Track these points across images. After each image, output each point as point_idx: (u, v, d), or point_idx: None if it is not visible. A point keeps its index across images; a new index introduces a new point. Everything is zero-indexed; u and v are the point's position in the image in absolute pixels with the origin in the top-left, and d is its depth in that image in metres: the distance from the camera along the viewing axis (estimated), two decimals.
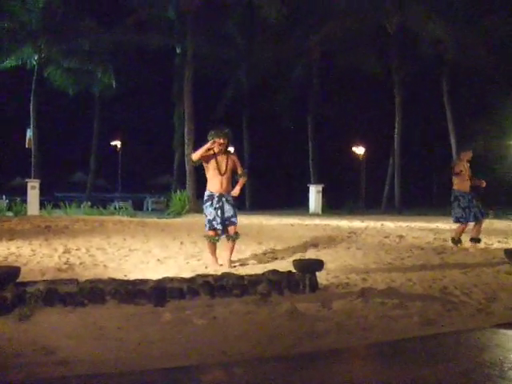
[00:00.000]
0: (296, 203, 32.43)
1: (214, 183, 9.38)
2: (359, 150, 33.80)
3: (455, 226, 12.76)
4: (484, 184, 12.30)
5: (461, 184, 12.09)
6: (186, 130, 28.90)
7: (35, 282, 6.38)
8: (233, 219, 9.38)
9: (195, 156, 9.49)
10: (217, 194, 9.33)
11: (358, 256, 10.77)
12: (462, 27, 29.06)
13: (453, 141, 31.54)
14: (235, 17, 35.07)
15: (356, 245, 12.45)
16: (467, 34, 28.91)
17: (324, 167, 37.55)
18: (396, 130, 31.37)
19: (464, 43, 29.08)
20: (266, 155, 45.95)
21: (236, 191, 9.53)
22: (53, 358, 4.68)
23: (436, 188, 42.63)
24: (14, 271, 6.25)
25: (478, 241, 12.22)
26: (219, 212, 9.27)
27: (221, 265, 9.33)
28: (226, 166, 9.38)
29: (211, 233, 9.38)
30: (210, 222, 9.35)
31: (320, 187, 28.34)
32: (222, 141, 9.29)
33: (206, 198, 9.46)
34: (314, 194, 27.98)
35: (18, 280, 6.19)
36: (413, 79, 33.55)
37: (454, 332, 5.76)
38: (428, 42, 29.69)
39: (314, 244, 12.39)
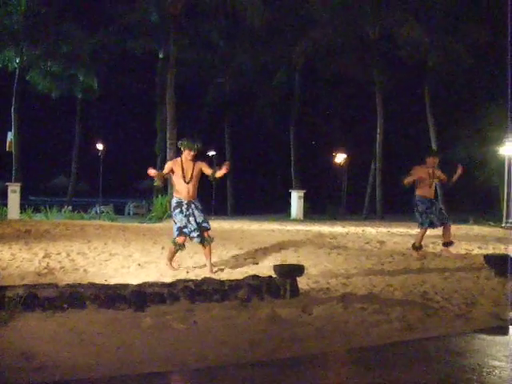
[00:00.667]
0: (277, 209, 32.45)
1: (181, 190, 9.48)
2: (340, 158, 33.90)
3: (430, 230, 12.67)
4: (461, 169, 12.00)
5: (421, 190, 11.93)
6: (168, 134, 28.82)
7: (14, 287, 6.34)
8: (204, 224, 9.43)
9: (158, 182, 9.72)
10: (185, 201, 9.40)
11: (339, 261, 10.80)
12: (442, 33, 29.29)
13: (434, 146, 31.72)
14: (218, 22, 35.11)
15: (337, 250, 12.47)
16: (448, 41, 29.12)
17: (306, 173, 37.65)
18: (378, 136, 31.52)
19: (445, 49, 29.30)
20: (248, 160, 45.99)
21: (219, 173, 9.57)
22: (32, 363, 4.65)
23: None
24: None
25: (450, 244, 12.24)
26: (191, 219, 9.34)
27: (176, 269, 9.46)
28: (192, 174, 9.49)
29: (180, 240, 9.40)
30: (179, 229, 9.38)
31: (302, 193, 28.37)
32: (192, 153, 9.50)
33: (174, 204, 9.51)
34: (296, 199, 28.02)
35: None
36: (395, 85, 33.72)
37: (433, 337, 5.80)
38: (409, 48, 29.85)
39: (295, 249, 12.39)
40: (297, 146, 37.10)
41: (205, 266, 9.58)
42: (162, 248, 11.92)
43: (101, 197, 26.88)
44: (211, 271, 9.18)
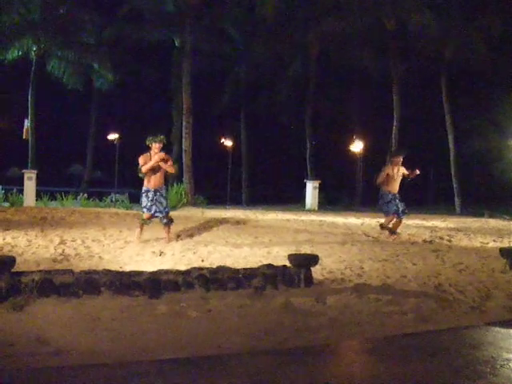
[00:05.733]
0: (292, 199, 32.37)
1: (150, 180, 11.17)
2: (356, 147, 33.68)
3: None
4: (417, 172, 13.51)
5: (388, 186, 13.19)
6: (183, 124, 28.83)
7: (30, 272, 6.38)
8: (167, 209, 11.35)
9: (144, 169, 11.08)
10: (152, 190, 11.16)
11: (354, 252, 10.79)
12: (460, 25, 29.03)
13: (450, 138, 31.50)
14: (234, 11, 34.97)
15: (351, 241, 12.46)
16: (466, 32, 28.87)
17: (321, 163, 37.50)
18: (394, 127, 31.32)
19: (462, 41, 29.06)
20: (264, 150, 45.90)
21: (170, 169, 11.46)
22: (47, 348, 4.69)
23: (433, 185, 42.62)
24: (10, 260, 6.25)
25: (394, 233, 13.25)
26: (158, 204, 11.15)
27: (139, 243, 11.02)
28: (159, 166, 11.11)
29: (146, 216, 11.18)
30: (146, 208, 11.17)
31: (317, 183, 28.27)
32: (158, 145, 11.13)
33: (143, 191, 11.24)
34: (311, 189, 27.93)
35: (13, 270, 6.19)
36: (411, 76, 33.50)
37: (447, 329, 5.78)
38: (426, 38, 29.59)
39: (310, 239, 12.39)
40: (312, 136, 36.95)
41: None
42: (177, 236, 11.96)
43: (116, 185, 26.97)
44: (169, 241, 11.16)
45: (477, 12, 29.16)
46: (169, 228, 11.44)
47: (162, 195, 11.27)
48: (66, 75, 32.62)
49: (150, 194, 11.12)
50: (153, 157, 11.05)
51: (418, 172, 13.52)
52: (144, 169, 11.06)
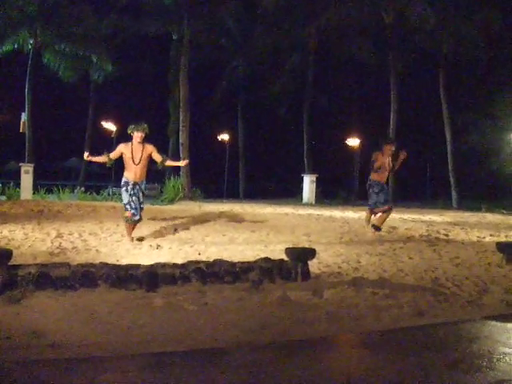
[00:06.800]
0: (289, 193, 32.38)
1: (129, 172, 10.49)
2: (353, 142, 33.70)
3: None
4: (405, 154, 12.52)
5: (378, 175, 12.39)
6: (181, 117, 28.83)
7: (27, 266, 6.38)
8: (142, 205, 10.75)
9: (113, 156, 10.67)
10: (132, 182, 10.45)
11: (351, 246, 10.80)
12: (458, 19, 28.98)
13: (448, 133, 31.52)
14: (232, 4, 34.90)
15: (349, 235, 12.46)
16: (464, 26, 28.82)
17: (318, 157, 37.51)
18: (391, 121, 31.30)
19: (460, 35, 29.01)
20: (261, 144, 45.90)
21: (170, 163, 11.66)
22: (43, 341, 4.69)
23: (430, 180, 42.68)
24: (6, 254, 6.24)
25: (378, 229, 12.49)
26: (134, 198, 10.44)
27: (137, 240, 10.50)
28: (141, 157, 10.46)
29: (128, 214, 10.42)
30: (125, 205, 10.52)
31: (314, 177, 28.30)
32: (140, 134, 10.45)
33: (122, 183, 10.58)
34: (308, 183, 27.95)
35: (10, 263, 6.18)
36: (409, 70, 33.47)
37: (444, 323, 5.79)
38: (425, 32, 29.55)
39: (307, 233, 12.40)
40: (310, 130, 36.92)
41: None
42: (175, 230, 11.96)
43: (113, 179, 26.91)
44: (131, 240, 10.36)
45: (476, 6, 29.11)
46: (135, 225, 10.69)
47: (141, 189, 10.60)
48: (62, 68, 32.55)
49: (129, 187, 10.43)
50: (134, 147, 10.43)
51: (405, 154, 12.51)
52: (113, 155, 10.61)
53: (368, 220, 12.88)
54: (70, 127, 47.02)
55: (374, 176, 12.44)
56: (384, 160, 12.37)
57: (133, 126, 10.50)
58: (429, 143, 38.91)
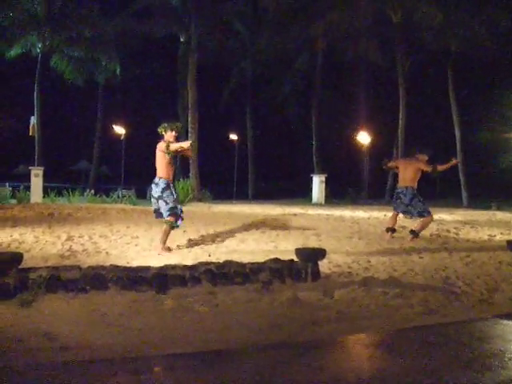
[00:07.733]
0: (299, 193, 32.37)
1: (170, 172, 9.71)
2: (363, 140, 33.59)
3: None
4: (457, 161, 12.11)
5: (416, 183, 12.14)
6: (189, 118, 28.90)
7: (38, 269, 6.39)
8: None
9: (173, 147, 9.64)
10: (172, 183, 9.76)
11: (361, 246, 10.78)
12: (466, 17, 28.88)
13: (457, 131, 31.43)
14: (239, 5, 34.96)
15: (358, 235, 12.44)
16: (472, 25, 28.73)
17: (327, 157, 37.45)
18: (400, 121, 31.22)
19: (469, 34, 28.91)
20: (270, 145, 45.86)
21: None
22: (54, 343, 4.70)
23: (439, 178, 42.51)
24: (17, 257, 6.26)
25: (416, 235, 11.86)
26: (177, 198, 9.87)
27: (171, 251, 9.58)
28: (177, 157, 10.17)
29: (172, 219, 9.60)
30: (171, 209, 9.60)
31: (323, 177, 28.30)
32: (174, 134, 9.73)
33: (164, 186, 9.62)
34: (318, 183, 27.96)
35: (20, 266, 6.21)
36: (417, 69, 33.40)
37: (455, 322, 5.77)
38: (433, 31, 29.47)
39: (317, 233, 12.37)
40: (318, 130, 36.89)
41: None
42: (184, 231, 11.96)
43: (122, 181, 27.01)
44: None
45: (483, 4, 28.99)
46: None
47: (176, 188, 10.04)
48: (68, 71, 32.69)
49: (173, 189, 9.70)
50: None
51: (457, 160, 11.67)
52: (173, 147, 9.58)
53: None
54: (79, 130, 47.16)
55: (415, 184, 12.15)
56: (422, 168, 12.14)
57: (166, 125, 9.76)
58: (438, 141, 38.79)
